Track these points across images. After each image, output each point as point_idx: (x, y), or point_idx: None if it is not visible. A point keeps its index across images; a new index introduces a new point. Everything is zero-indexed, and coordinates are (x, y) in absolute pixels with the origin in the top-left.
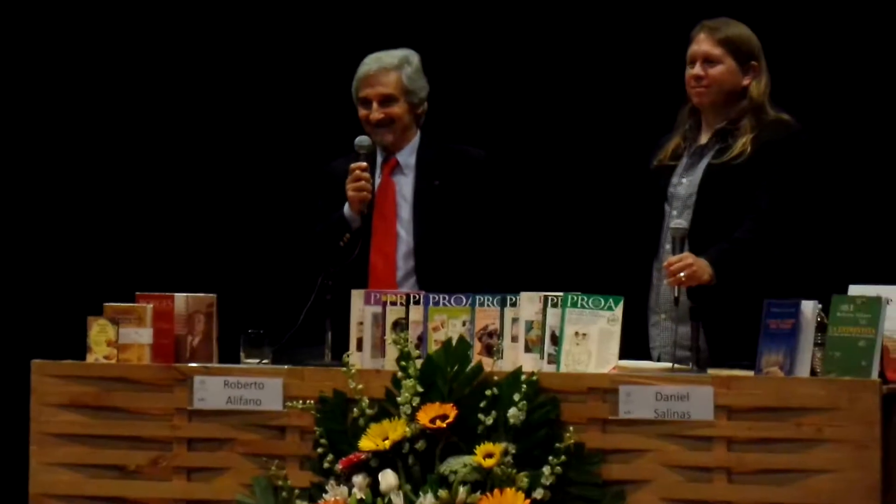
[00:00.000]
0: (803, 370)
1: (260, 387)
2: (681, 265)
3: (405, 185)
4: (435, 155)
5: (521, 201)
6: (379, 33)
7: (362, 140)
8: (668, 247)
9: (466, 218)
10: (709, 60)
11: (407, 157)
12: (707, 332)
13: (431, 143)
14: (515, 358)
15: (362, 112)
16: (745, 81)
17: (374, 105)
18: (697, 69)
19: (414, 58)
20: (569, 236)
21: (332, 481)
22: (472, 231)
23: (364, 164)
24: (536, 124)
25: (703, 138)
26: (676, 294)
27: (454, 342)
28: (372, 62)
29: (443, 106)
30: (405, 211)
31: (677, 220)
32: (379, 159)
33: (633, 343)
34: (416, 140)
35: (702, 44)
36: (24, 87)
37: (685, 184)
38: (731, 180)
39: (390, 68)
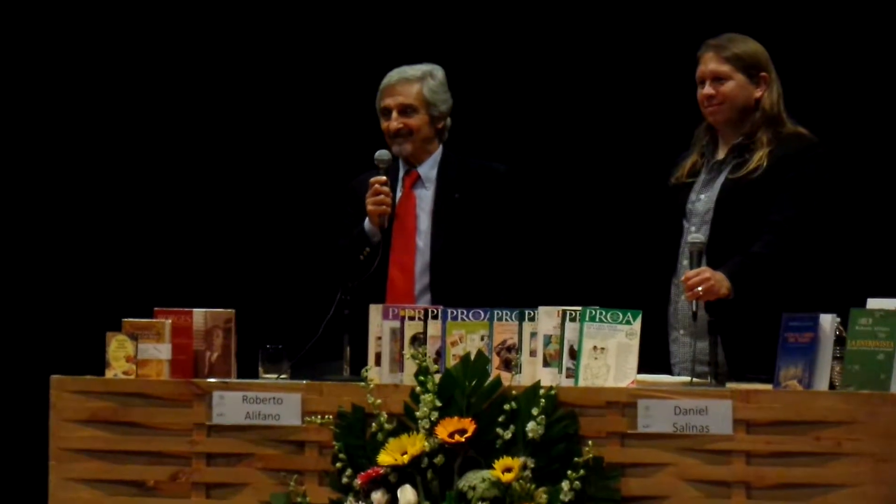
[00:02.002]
0: (822, 384)
1: (278, 402)
2: (698, 279)
3: (425, 198)
4: (456, 168)
5: (540, 216)
6: (404, 50)
7: (382, 154)
8: (685, 262)
9: (485, 231)
10: (718, 78)
11: (428, 170)
12: (725, 346)
13: (453, 157)
14: (534, 372)
15: (383, 123)
16: (757, 94)
17: (394, 114)
18: (708, 88)
19: (438, 72)
20: (588, 251)
21: (350, 497)
22: (490, 245)
23: (383, 178)
24: (557, 140)
25: (720, 154)
26: (695, 308)
27: (472, 357)
28: (395, 73)
29: (466, 121)
30: (424, 224)
31: (694, 234)
32: (401, 172)
33: (655, 358)
34: (437, 154)
35: (709, 63)
36: (45, 101)
37: (703, 200)
38: (748, 194)
39: (412, 79)
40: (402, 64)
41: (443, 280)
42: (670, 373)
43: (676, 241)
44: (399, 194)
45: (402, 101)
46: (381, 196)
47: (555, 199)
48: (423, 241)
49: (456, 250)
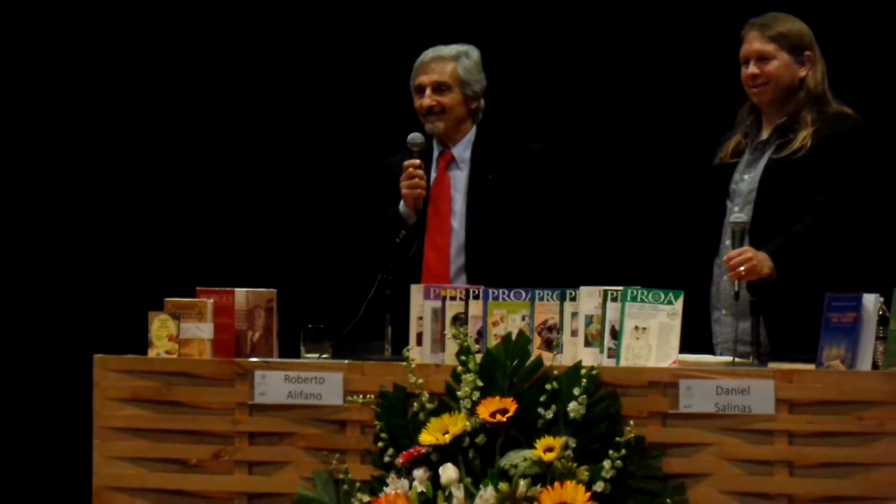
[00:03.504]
0: (865, 364)
1: (320, 381)
2: (740, 259)
3: (459, 180)
4: (490, 149)
5: (581, 195)
6: (438, 30)
7: (415, 137)
8: (728, 242)
9: (519, 212)
10: (762, 58)
11: (462, 151)
12: (768, 325)
13: (487, 137)
14: (575, 352)
15: (417, 100)
16: (802, 73)
17: (427, 91)
18: (752, 68)
19: (473, 52)
20: (629, 232)
21: (392, 475)
22: (525, 225)
23: (417, 161)
24: (595, 119)
25: (764, 134)
26: (737, 289)
27: (514, 337)
28: (430, 52)
29: (500, 101)
30: (459, 205)
31: (737, 214)
32: (435, 153)
33: (698, 338)
34: (471, 134)
35: (753, 42)
36: (82, 85)
37: (747, 180)
38: (791, 174)
39: (447, 58)
40: (436, 44)
41: (478, 261)
42: (713, 353)
43: (719, 221)
44: (433, 176)
45: (436, 79)
46: (416, 179)
47: (592, 178)
48: (457, 222)
49: (491, 231)
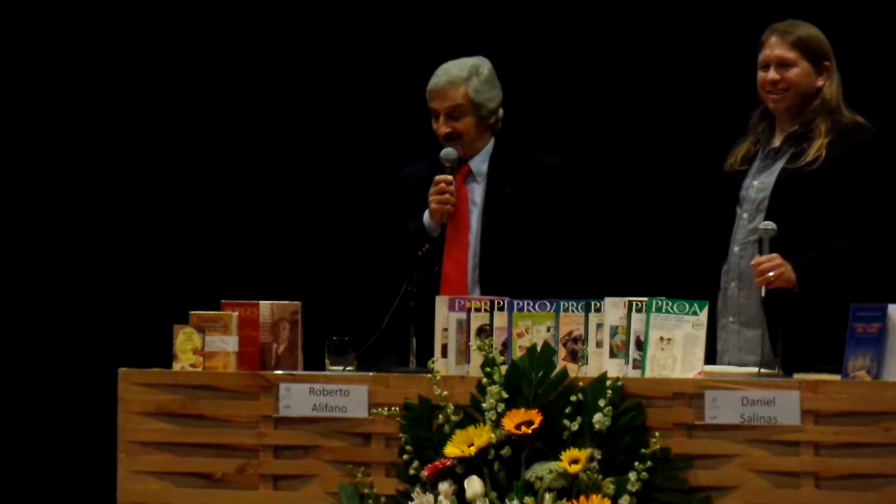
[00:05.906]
0: (891, 374)
1: (345, 394)
2: (770, 265)
3: (477, 193)
4: (507, 162)
5: (591, 208)
6: (452, 39)
7: (448, 153)
8: (736, 249)
9: (535, 225)
10: (784, 64)
11: (480, 163)
12: (785, 336)
13: (505, 149)
14: (600, 363)
15: (433, 124)
16: (819, 83)
17: (442, 118)
18: (772, 73)
19: (484, 67)
20: (638, 240)
21: (417, 488)
22: (541, 239)
23: (450, 178)
24: (608, 132)
25: (776, 141)
26: (763, 295)
27: (539, 348)
28: (441, 75)
29: (516, 113)
30: (475, 219)
31: (765, 221)
32: None
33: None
34: (489, 147)
35: (775, 48)
36: (107, 98)
37: (756, 186)
38: (806, 186)
39: (458, 81)
40: (451, 54)
41: (492, 275)
42: (715, 360)
43: (727, 229)
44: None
45: (449, 105)
46: (447, 196)
47: (601, 190)
48: (473, 236)
49: (504, 246)
